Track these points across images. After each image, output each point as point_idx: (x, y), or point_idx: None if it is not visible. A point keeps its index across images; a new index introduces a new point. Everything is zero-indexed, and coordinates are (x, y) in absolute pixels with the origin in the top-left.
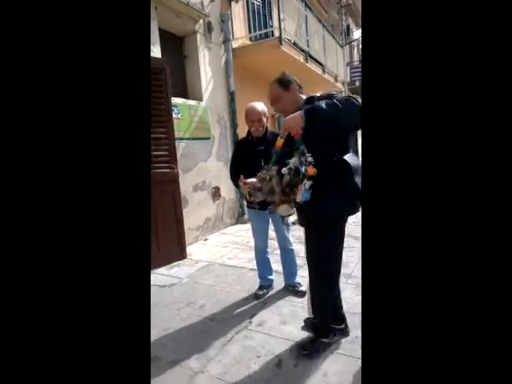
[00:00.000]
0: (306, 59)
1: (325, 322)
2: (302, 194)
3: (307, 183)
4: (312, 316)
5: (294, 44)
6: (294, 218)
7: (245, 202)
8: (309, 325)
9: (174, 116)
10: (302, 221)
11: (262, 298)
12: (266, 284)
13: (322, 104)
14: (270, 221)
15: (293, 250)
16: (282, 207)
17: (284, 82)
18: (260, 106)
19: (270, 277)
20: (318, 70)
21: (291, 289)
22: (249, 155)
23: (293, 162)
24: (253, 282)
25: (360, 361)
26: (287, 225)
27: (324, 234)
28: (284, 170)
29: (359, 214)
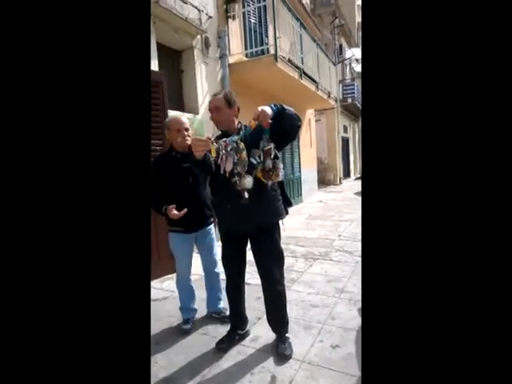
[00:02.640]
0: (301, 76)
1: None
2: (281, 173)
3: (281, 164)
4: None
5: (289, 61)
6: (250, 183)
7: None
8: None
9: None
10: (246, 228)
11: (190, 331)
12: (190, 316)
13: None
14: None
15: (219, 273)
16: (247, 179)
17: (229, 99)
18: (184, 118)
19: (194, 306)
20: (312, 87)
21: (216, 316)
22: (173, 174)
23: (272, 147)
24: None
25: (353, 378)
26: (245, 202)
27: (278, 232)
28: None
29: (351, 229)
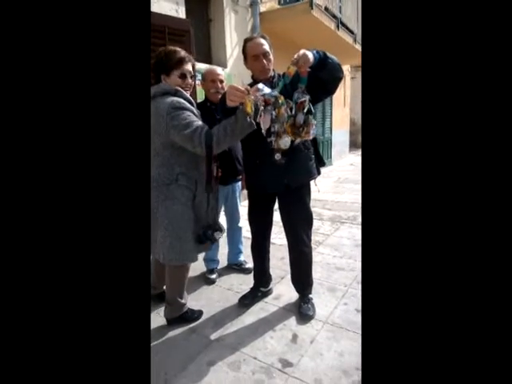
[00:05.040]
0: (338, 26)
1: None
2: (313, 131)
3: (314, 121)
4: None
5: (326, 9)
6: (287, 143)
7: None
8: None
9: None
10: (274, 187)
11: (215, 281)
12: (214, 266)
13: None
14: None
15: (241, 227)
16: (284, 139)
17: (270, 44)
18: (219, 69)
19: (217, 258)
20: (349, 40)
21: (236, 267)
22: (208, 125)
23: (307, 99)
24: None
25: None
26: (280, 163)
27: (308, 193)
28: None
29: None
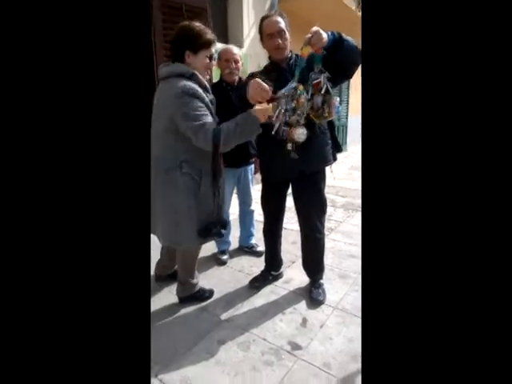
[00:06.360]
0: (359, 4)
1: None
2: (336, 109)
3: (337, 99)
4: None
5: None
6: (302, 135)
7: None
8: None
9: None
10: (288, 174)
11: (227, 262)
12: (226, 248)
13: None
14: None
15: (253, 211)
16: (299, 130)
17: (287, 22)
18: (235, 49)
19: (228, 239)
20: None
21: (248, 250)
22: (222, 105)
23: (322, 79)
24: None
25: None
26: (294, 157)
27: (323, 180)
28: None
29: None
